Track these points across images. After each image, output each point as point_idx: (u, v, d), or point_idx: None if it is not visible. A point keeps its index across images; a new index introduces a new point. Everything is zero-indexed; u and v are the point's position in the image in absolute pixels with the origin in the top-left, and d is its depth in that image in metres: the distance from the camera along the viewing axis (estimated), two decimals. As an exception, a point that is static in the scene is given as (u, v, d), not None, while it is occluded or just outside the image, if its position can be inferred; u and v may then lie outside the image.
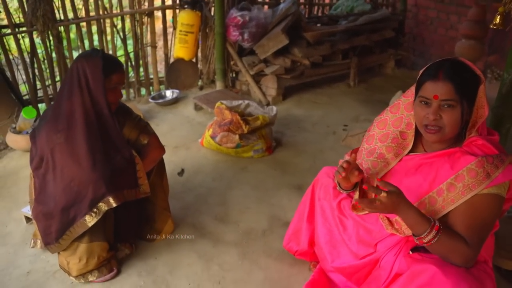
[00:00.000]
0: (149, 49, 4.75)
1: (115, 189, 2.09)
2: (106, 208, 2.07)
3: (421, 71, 1.70)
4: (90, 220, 2.07)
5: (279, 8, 4.59)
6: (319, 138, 3.81)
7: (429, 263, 1.54)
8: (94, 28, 4.36)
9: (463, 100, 1.59)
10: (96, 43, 4.45)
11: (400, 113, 1.90)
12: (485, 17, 4.55)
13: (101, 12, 4.30)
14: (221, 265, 2.35)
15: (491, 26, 2.26)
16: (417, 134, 1.81)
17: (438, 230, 1.52)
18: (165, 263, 2.37)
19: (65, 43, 4.21)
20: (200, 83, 4.98)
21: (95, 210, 2.06)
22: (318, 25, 5.15)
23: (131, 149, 2.21)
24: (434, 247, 1.54)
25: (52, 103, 3.97)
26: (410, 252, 1.72)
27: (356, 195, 1.90)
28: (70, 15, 4.21)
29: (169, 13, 4.81)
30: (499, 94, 2.26)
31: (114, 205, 2.07)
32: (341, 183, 1.91)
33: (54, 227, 2.15)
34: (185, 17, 4.57)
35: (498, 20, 2.20)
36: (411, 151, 1.84)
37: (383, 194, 1.50)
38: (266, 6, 5.13)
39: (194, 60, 4.89)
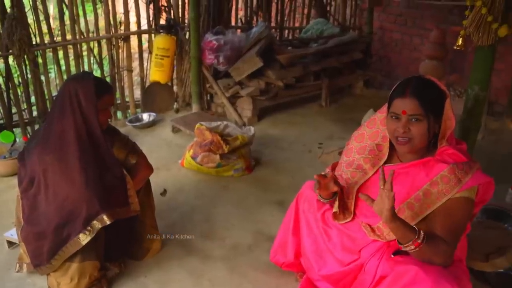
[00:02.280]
0: (125, 72, 4.81)
1: (109, 206, 2.15)
2: (100, 226, 2.12)
3: (392, 88, 1.88)
4: (84, 239, 2.11)
5: (252, 32, 4.75)
6: (296, 156, 3.94)
7: (411, 263, 1.67)
8: (70, 53, 4.41)
9: (428, 114, 1.76)
10: (72, 68, 4.49)
11: (376, 127, 2.06)
12: (445, 39, 4.83)
13: (77, 37, 4.36)
14: (211, 280, 2.42)
15: (454, 47, 2.45)
16: (393, 147, 1.97)
17: (424, 235, 1.65)
18: (156, 281, 2.42)
19: (41, 68, 4.24)
20: (176, 106, 5.06)
21: (89, 228, 2.11)
22: (290, 48, 5.33)
23: (122, 168, 2.28)
24: (419, 253, 1.66)
25: (37, 126, 4.01)
26: (392, 256, 1.85)
27: (336, 206, 2.02)
28: (47, 39, 4.25)
29: (144, 37, 4.90)
30: (465, 108, 2.45)
31: (108, 222, 2.12)
32: (321, 193, 2.04)
33: (46, 247, 2.18)
34: (161, 41, 4.67)
35: (460, 42, 2.40)
36: (388, 162, 2.00)
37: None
38: (239, 30, 5.29)
39: (169, 83, 4.97)
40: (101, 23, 4.55)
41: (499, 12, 2.21)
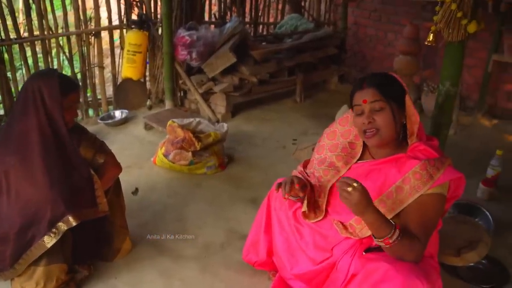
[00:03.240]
0: (96, 69, 4.71)
1: (75, 208, 2.08)
2: (66, 228, 2.06)
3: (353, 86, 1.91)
4: (49, 241, 2.05)
5: (226, 27, 4.70)
6: (270, 153, 3.92)
7: (381, 261, 1.66)
8: (39, 49, 4.29)
9: (389, 101, 1.79)
10: (41, 64, 4.38)
11: (349, 125, 2.06)
12: (419, 35, 4.87)
13: (46, 32, 4.24)
14: (183, 280, 2.38)
15: (426, 43, 2.45)
16: (365, 144, 1.96)
17: (400, 232, 1.63)
18: (126, 283, 2.37)
19: (8, 64, 4.12)
20: (149, 102, 4.98)
21: (54, 230, 2.05)
22: (264, 43, 5.30)
23: (89, 168, 2.22)
24: (394, 249, 1.65)
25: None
26: (364, 253, 1.84)
27: (305, 206, 2.00)
28: (13, 35, 4.13)
29: (116, 33, 4.81)
30: (436, 104, 2.45)
31: (74, 224, 2.06)
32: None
33: (9, 252, 2.10)
34: (133, 37, 4.59)
35: (431, 37, 2.40)
36: (360, 159, 2.00)
37: (356, 184, 1.58)
38: (212, 26, 5.23)
39: (142, 79, 4.89)
40: (71, 18, 4.43)
41: (469, 8, 2.22)
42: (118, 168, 2.43)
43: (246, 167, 3.64)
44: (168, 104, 4.74)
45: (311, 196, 2.05)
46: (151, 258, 2.55)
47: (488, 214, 2.82)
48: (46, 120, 2.09)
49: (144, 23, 4.63)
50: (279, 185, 1.92)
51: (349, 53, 6.22)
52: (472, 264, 2.44)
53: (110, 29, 4.72)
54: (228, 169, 3.60)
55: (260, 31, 5.96)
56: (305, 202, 2.00)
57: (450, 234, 2.51)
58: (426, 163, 1.75)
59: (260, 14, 5.82)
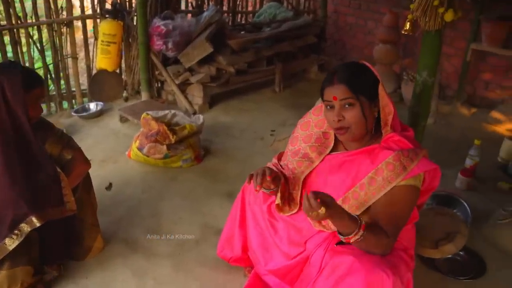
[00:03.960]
0: (70, 60, 4.58)
1: (38, 208, 1.99)
2: (29, 229, 1.97)
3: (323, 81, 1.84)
4: (11, 243, 1.95)
5: (203, 16, 4.59)
6: (247, 144, 3.85)
7: (347, 254, 1.64)
8: (6, 39, 4.14)
9: (359, 97, 1.74)
10: (10, 54, 4.23)
11: (323, 115, 2.00)
12: (398, 23, 4.82)
13: (14, 22, 4.09)
14: (156, 279, 2.32)
15: (403, 32, 2.40)
16: (338, 136, 1.92)
17: (364, 229, 1.59)
18: (97, 283, 2.30)
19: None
20: (125, 94, 4.87)
21: (16, 232, 1.95)
22: (242, 32, 5.20)
23: (55, 165, 2.13)
24: (360, 243, 1.62)
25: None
26: (335, 246, 1.79)
27: (278, 198, 1.95)
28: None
29: (89, 22, 4.67)
30: (413, 95, 2.41)
31: (38, 224, 1.97)
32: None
33: (-32, 256, 2.02)
34: (107, 27, 4.46)
35: (408, 26, 2.35)
36: (334, 150, 1.96)
37: (322, 211, 1.50)
38: (189, 15, 5.12)
39: (118, 70, 4.77)
40: (41, 7, 4.28)
41: (445, -4, 2.16)
42: (87, 164, 2.34)
43: (223, 159, 3.57)
44: (144, 96, 4.64)
45: (285, 188, 2.00)
46: (124, 256, 2.48)
47: (466, 205, 2.80)
48: (7, 116, 1.99)
49: (119, 13, 4.50)
50: (251, 176, 1.85)
51: (329, 41, 6.16)
52: (449, 256, 2.43)
53: (83, 18, 4.58)
54: (204, 161, 3.53)
55: (239, 20, 5.86)
56: (279, 194, 1.94)
57: (427, 226, 2.49)
58: (400, 154, 1.71)
59: (238, 2, 5.71)
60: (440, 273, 2.40)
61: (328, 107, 1.80)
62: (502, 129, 4.30)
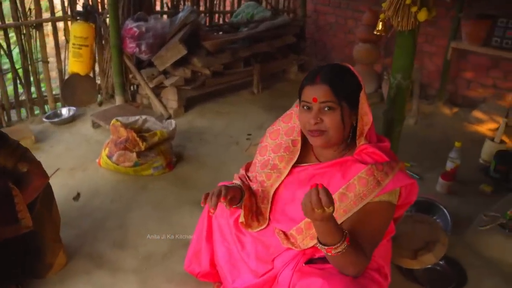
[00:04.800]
0: (40, 64, 4.41)
1: (-13, 227, 1.86)
2: (-21, 250, 1.84)
3: (304, 77, 1.69)
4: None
5: (178, 17, 4.46)
6: (222, 150, 3.73)
7: (316, 276, 1.51)
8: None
9: (341, 102, 1.59)
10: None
11: (293, 122, 1.88)
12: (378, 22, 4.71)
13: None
14: (120, 297, 2.19)
15: (375, 32, 2.29)
16: (311, 145, 1.78)
17: (348, 242, 1.45)
18: (57, 302, 2.17)
19: None
20: (99, 98, 4.72)
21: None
22: (220, 33, 5.08)
23: (7, 180, 1.98)
24: (336, 259, 1.47)
25: None
26: (304, 265, 1.67)
27: (242, 217, 1.83)
28: None
29: (59, 25, 4.51)
30: (388, 98, 2.29)
31: (-12, 245, 1.84)
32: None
33: None
34: (78, 29, 4.29)
35: (380, 26, 2.24)
36: (304, 162, 1.81)
37: (330, 209, 1.32)
38: (165, 16, 4.98)
39: (91, 74, 4.62)
40: (7, 9, 4.11)
41: (418, -6, 2.05)
42: (44, 177, 2.19)
43: (196, 166, 3.44)
44: (118, 100, 4.49)
45: (252, 202, 1.88)
46: (88, 272, 2.35)
47: (446, 211, 2.70)
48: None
49: (90, 14, 4.34)
50: (206, 196, 1.69)
51: (309, 41, 6.05)
52: (429, 266, 2.33)
53: (53, 20, 4.41)
54: (176, 169, 3.40)
55: (216, 20, 5.73)
56: (242, 211, 1.82)
57: (406, 234, 2.40)
58: (373, 168, 1.58)
59: (215, 2, 5.58)
60: (419, 285, 2.29)
61: (306, 107, 1.65)
62: (483, 128, 4.22)
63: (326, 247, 1.43)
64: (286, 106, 4.36)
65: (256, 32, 4.94)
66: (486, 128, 4.22)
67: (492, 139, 3.52)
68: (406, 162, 3.29)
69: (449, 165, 3.15)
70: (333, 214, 1.57)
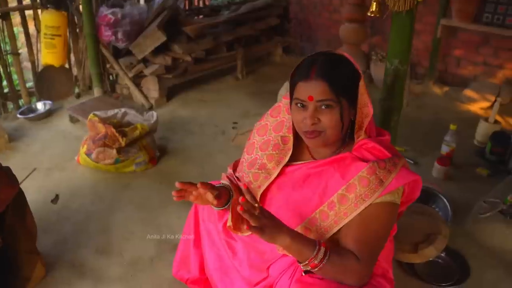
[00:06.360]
0: (10, 57, 4.17)
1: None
2: None
3: (293, 69, 1.50)
4: None
5: (155, 2, 4.25)
6: (208, 140, 3.56)
7: (318, 287, 1.37)
8: None
9: (340, 99, 1.42)
10: None
11: (282, 116, 1.70)
12: (364, 1, 4.56)
13: None
14: (104, 309, 2.04)
15: (369, 14, 2.12)
16: (303, 140, 1.62)
17: (326, 249, 1.33)
18: (36, 318, 2.01)
19: None
20: (76, 90, 4.50)
21: None
22: (201, 17, 4.88)
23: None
24: (326, 270, 1.34)
25: None
26: (303, 274, 1.53)
27: (229, 220, 1.67)
28: None
29: (29, 14, 4.26)
30: (384, 86, 2.14)
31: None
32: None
33: None
34: (49, 18, 4.06)
35: (374, 7, 2.07)
36: (298, 159, 1.65)
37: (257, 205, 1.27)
38: (142, 1, 4.75)
39: (66, 65, 4.39)
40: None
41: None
42: (11, 187, 2.00)
43: (181, 159, 3.28)
44: (97, 92, 4.29)
45: (234, 208, 1.71)
46: (70, 283, 2.19)
47: (445, 200, 2.58)
48: None
49: (61, 2, 4.10)
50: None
51: (293, 22, 5.85)
52: (430, 259, 2.22)
53: (21, 9, 4.15)
54: (160, 164, 3.22)
55: (196, 3, 5.50)
56: (230, 214, 1.63)
57: (406, 227, 2.27)
58: (375, 166, 1.43)
59: (194, -16, 5.36)
60: (421, 280, 2.18)
61: (299, 105, 1.47)
62: (475, 107, 4.11)
63: (305, 263, 1.34)
64: (272, 91, 4.27)
65: (238, 14, 4.76)
66: (478, 107, 4.11)
67: (486, 120, 3.40)
68: (400, 147, 3.15)
69: (445, 149, 3.02)
70: (334, 217, 1.45)
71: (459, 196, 2.76)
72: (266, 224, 1.29)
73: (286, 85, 3.67)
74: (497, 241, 2.41)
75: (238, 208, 1.25)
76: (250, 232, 1.64)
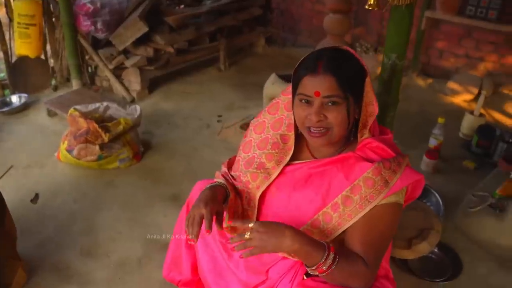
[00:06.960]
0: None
1: None
2: None
3: (298, 63, 1.44)
4: None
5: (135, -9, 4.12)
6: (192, 134, 3.48)
7: None
8: None
9: (348, 95, 1.36)
10: None
11: (280, 113, 1.63)
12: (348, -9, 4.50)
13: None
14: (91, 315, 1.97)
15: (366, 7, 2.06)
16: (304, 138, 1.56)
17: (335, 254, 1.28)
18: (19, 326, 1.92)
19: None
20: (54, 82, 4.35)
21: None
22: (182, 7, 4.76)
23: None
24: (332, 276, 1.30)
25: None
26: (305, 277, 1.48)
27: (226, 221, 1.60)
28: None
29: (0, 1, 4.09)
30: (381, 81, 2.09)
31: None
32: None
33: None
34: (23, 6, 3.88)
35: (372, 0, 2.01)
36: (297, 158, 1.59)
37: (251, 225, 1.26)
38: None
39: (42, 56, 4.24)
40: None
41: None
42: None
43: (166, 155, 3.19)
44: (75, 84, 4.15)
45: (237, 204, 1.65)
46: (54, 288, 2.10)
47: (437, 195, 2.57)
48: None
49: (35, -11, 3.94)
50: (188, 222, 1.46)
51: (275, 12, 5.77)
52: (424, 254, 2.20)
53: (-7, -3, 3.99)
54: (144, 159, 3.13)
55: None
56: (226, 216, 1.57)
57: (399, 223, 2.24)
58: (380, 166, 1.38)
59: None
60: (415, 276, 2.16)
61: (304, 101, 1.40)
62: (459, 100, 4.13)
63: (313, 267, 1.29)
64: (255, 83, 4.21)
65: (220, 4, 4.66)
66: (461, 99, 4.12)
67: (471, 113, 3.40)
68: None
69: (433, 142, 3.01)
70: (338, 220, 1.41)
71: (448, 190, 2.76)
72: (264, 238, 1.26)
73: (271, 78, 3.59)
74: (487, 235, 2.42)
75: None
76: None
